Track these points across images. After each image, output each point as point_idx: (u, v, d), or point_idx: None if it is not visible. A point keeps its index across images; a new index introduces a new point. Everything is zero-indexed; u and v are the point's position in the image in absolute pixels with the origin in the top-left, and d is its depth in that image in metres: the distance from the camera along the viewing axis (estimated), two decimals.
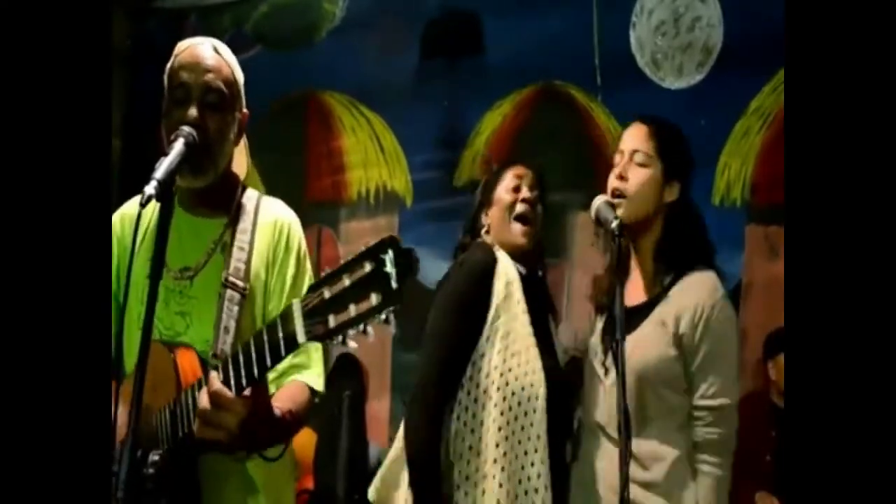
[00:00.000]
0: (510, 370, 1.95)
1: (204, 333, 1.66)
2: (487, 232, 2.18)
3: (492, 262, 2.06)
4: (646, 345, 1.93)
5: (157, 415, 1.57)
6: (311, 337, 1.31)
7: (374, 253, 1.23)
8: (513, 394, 1.94)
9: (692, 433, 1.93)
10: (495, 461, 1.89)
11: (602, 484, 1.95)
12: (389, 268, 1.21)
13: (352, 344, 1.27)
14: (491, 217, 2.17)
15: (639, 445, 1.85)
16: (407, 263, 1.22)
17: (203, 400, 1.44)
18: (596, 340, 2.08)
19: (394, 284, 1.21)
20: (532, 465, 1.92)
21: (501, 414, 1.92)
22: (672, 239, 1.99)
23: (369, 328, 1.25)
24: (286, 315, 1.35)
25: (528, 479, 1.91)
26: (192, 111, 1.63)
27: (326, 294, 1.28)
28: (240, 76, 1.76)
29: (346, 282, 1.26)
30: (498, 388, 1.94)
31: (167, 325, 1.68)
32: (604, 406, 1.96)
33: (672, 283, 1.97)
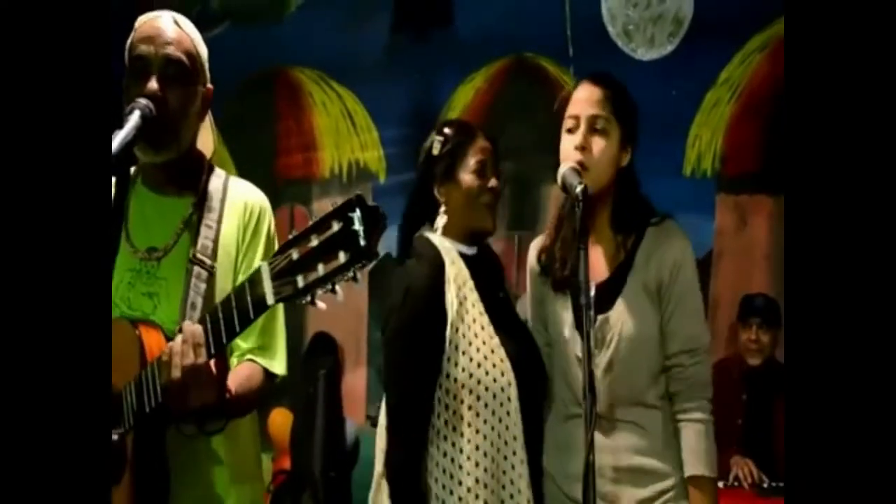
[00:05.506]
0: (479, 382, 1.88)
1: (172, 314, 1.62)
2: (445, 212, 1.99)
3: (439, 272, 1.92)
4: (633, 315, 1.85)
5: (122, 392, 1.55)
6: (280, 298, 1.30)
7: (342, 212, 1.23)
8: (484, 405, 1.88)
9: (670, 385, 1.86)
10: (477, 481, 1.85)
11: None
12: (357, 226, 1.21)
13: (320, 304, 1.26)
14: (449, 197, 2.00)
15: (638, 417, 1.84)
16: (374, 220, 1.21)
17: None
18: (570, 331, 1.91)
19: (362, 242, 1.20)
20: (513, 467, 1.88)
21: (477, 432, 1.87)
22: (626, 203, 1.93)
23: (338, 287, 1.24)
24: (254, 278, 1.34)
25: (512, 482, 1.88)
26: (153, 84, 1.59)
27: (294, 255, 1.28)
28: (202, 49, 1.72)
29: (315, 242, 1.25)
30: (470, 407, 1.87)
31: (134, 307, 1.65)
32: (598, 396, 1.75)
33: (637, 243, 1.91)
